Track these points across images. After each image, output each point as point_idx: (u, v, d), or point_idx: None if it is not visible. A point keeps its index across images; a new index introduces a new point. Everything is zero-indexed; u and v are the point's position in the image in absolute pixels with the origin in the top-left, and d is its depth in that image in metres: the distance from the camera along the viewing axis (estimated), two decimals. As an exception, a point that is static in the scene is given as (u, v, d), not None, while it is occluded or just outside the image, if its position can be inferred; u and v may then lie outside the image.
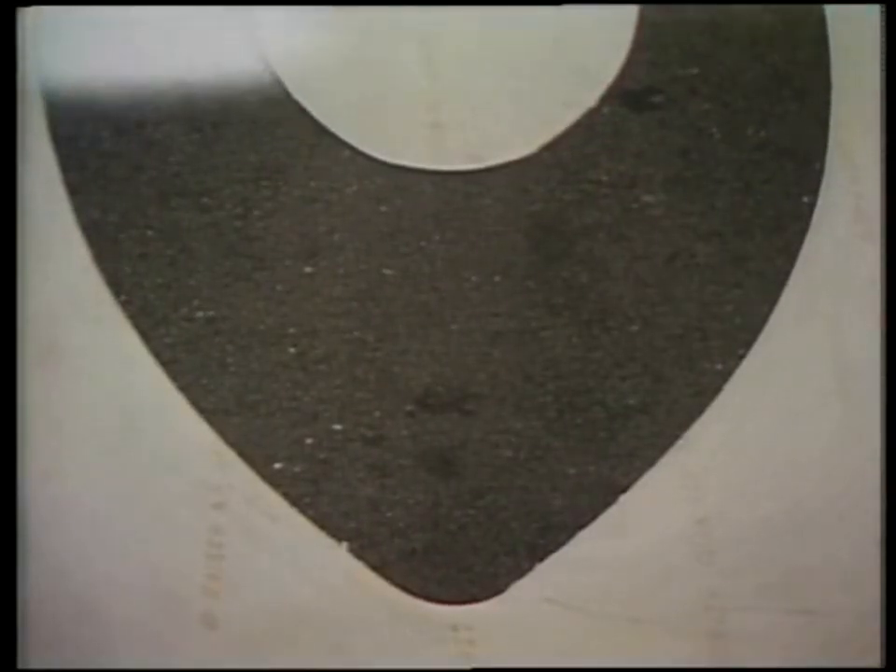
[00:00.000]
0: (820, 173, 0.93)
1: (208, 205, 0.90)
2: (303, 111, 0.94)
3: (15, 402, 0.77)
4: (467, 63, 0.96)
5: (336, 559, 0.82)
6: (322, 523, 0.83)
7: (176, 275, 0.88)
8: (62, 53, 0.94)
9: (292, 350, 0.87)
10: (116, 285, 0.88)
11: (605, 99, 0.95)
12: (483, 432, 0.86)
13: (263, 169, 0.92)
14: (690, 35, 0.98)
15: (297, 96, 0.94)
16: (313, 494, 0.83)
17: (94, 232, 0.89)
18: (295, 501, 0.83)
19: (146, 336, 0.86)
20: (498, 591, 0.82)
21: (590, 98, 0.95)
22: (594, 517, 0.83)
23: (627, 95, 0.95)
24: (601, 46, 0.97)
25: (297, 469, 0.84)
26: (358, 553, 0.82)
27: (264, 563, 0.82)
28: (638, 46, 0.97)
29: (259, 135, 0.93)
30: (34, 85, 0.91)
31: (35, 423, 0.82)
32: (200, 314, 0.88)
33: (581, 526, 0.83)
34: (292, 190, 0.92)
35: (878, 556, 0.76)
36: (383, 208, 0.91)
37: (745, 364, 0.88)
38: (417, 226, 0.91)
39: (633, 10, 0.97)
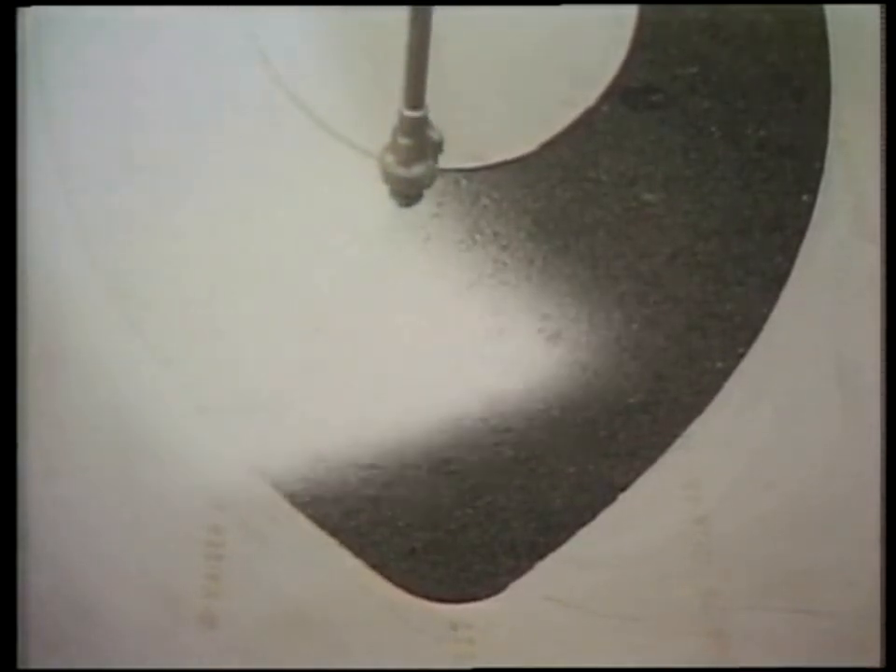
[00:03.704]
0: (820, 172, 0.94)
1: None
2: (304, 109, 0.94)
3: (16, 402, 0.76)
4: (467, 62, 0.96)
5: (336, 558, 0.82)
6: (322, 522, 0.83)
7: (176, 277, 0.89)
8: (62, 53, 0.94)
9: (292, 349, 0.87)
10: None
11: (604, 98, 0.95)
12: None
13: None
14: (689, 35, 0.98)
15: (297, 94, 0.94)
16: (312, 493, 0.83)
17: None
18: (295, 500, 0.83)
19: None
20: (498, 589, 0.82)
21: (590, 97, 0.95)
22: (593, 516, 0.84)
23: (627, 94, 0.95)
24: (601, 45, 0.97)
25: (296, 467, 0.84)
26: (358, 552, 0.82)
27: (264, 563, 0.82)
28: (638, 45, 0.97)
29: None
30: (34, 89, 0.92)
31: (36, 423, 0.82)
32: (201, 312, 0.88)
33: (581, 525, 0.83)
34: (293, 188, 0.92)
35: (878, 556, 0.75)
36: (383, 206, 0.92)
37: (745, 362, 0.88)
38: (419, 223, 0.91)
39: (632, 10, 0.98)
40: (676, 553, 0.83)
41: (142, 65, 0.95)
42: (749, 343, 0.89)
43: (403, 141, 0.86)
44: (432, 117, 0.85)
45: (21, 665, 0.71)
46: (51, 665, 0.77)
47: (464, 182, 0.92)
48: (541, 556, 0.82)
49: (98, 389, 0.85)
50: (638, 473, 0.85)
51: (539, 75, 0.97)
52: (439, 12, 0.94)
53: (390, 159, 0.87)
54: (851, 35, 0.98)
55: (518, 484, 0.85)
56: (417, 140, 0.85)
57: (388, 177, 0.89)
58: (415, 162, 0.87)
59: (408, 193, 0.90)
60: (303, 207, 0.92)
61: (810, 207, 0.92)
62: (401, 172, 0.87)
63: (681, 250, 0.91)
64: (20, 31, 0.89)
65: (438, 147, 0.87)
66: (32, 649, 0.75)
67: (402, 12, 0.96)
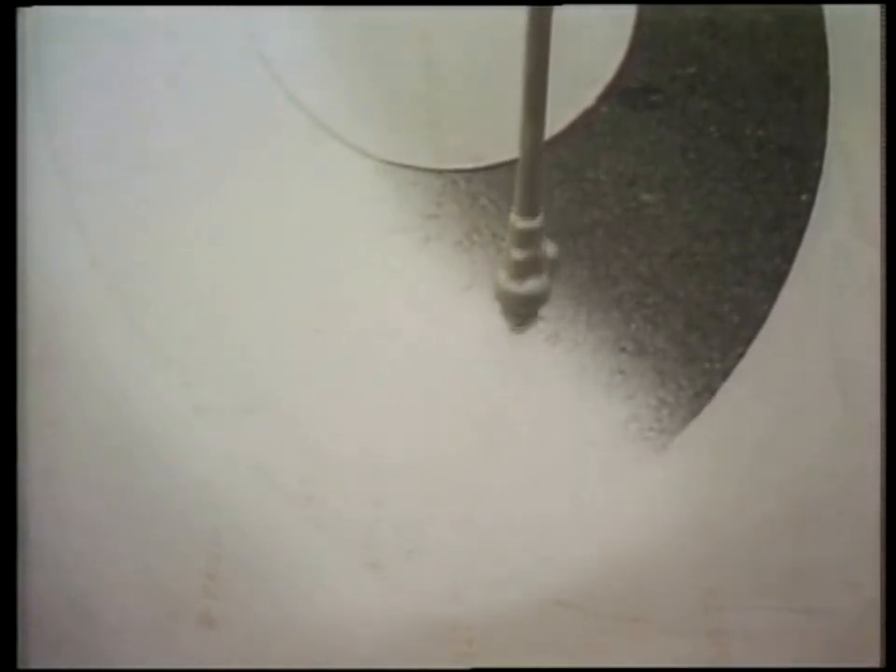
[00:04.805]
0: (819, 171, 0.94)
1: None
2: (303, 109, 0.94)
3: (15, 402, 0.76)
4: (466, 61, 0.96)
5: (335, 558, 0.82)
6: (320, 521, 0.83)
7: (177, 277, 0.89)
8: (62, 54, 0.94)
9: (292, 349, 0.87)
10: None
11: (603, 98, 0.95)
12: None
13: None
14: (688, 34, 0.98)
15: (297, 94, 0.94)
16: (312, 492, 0.84)
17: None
18: (294, 500, 0.83)
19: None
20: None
21: (588, 97, 0.95)
22: (592, 515, 0.84)
23: (626, 94, 0.95)
24: (600, 45, 0.97)
25: (296, 464, 0.84)
26: (357, 551, 0.82)
27: (264, 563, 0.82)
28: (637, 45, 0.97)
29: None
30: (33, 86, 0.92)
31: (35, 423, 0.82)
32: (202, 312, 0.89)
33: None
34: (293, 188, 0.92)
35: (878, 556, 0.75)
36: (382, 206, 0.92)
37: (744, 362, 0.88)
38: (417, 224, 0.91)
39: (631, 10, 0.98)
40: (676, 552, 0.83)
41: (143, 65, 0.95)
42: (748, 342, 0.89)
43: (516, 254, 0.81)
44: (431, 117, 0.85)
45: (20, 665, 0.71)
46: (51, 665, 0.77)
47: (462, 183, 0.92)
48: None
49: (98, 389, 0.86)
50: (637, 472, 0.85)
51: (537, 75, 0.96)
52: (437, 12, 0.95)
53: (502, 275, 0.83)
54: (851, 35, 0.98)
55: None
56: (531, 253, 0.81)
57: (500, 294, 0.84)
58: (529, 277, 0.82)
59: (520, 312, 0.85)
60: (303, 208, 0.92)
61: (809, 207, 0.92)
62: (514, 288, 0.83)
63: (680, 250, 0.91)
64: (20, 31, 0.90)
65: (553, 264, 0.83)
66: (32, 649, 0.75)
67: (404, 12, 0.96)
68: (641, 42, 0.97)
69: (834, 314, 0.90)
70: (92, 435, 0.84)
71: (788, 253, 0.91)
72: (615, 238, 0.91)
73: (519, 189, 0.76)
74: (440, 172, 0.92)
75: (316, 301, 0.89)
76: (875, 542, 0.77)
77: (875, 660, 0.72)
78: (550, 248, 0.82)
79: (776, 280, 0.90)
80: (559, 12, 0.96)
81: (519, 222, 0.79)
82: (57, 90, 0.93)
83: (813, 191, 0.93)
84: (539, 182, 0.76)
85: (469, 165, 0.92)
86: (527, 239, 0.80)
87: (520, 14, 0.96)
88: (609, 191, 0.92)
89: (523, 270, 0.81)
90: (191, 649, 0.79)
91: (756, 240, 0.92)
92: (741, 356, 0.88)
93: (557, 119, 0.94)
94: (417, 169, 0.92)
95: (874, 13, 0.92)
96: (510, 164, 0.92)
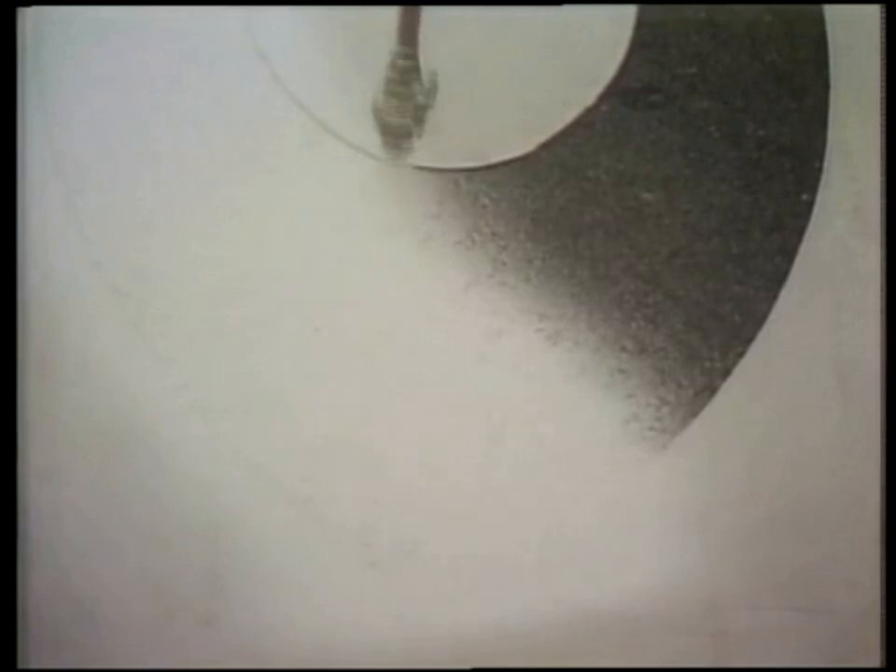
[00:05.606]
0: (819, 171, 0.94)
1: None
2: (303, 109, 0.94)
3: (15, 402, 0.76)
4: (466, 61, 0.96)
5: (335, 558, 0.82)
6: (320, 521, 0.83)
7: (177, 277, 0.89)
8: (62, 54, 0.94)
9: (292, 349, 0.87)
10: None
11: (604, 98, 0.95)
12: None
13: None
14: (689, 34, 0.98)
15: (297, 94, 0.94)
16: (312, 492, 0.83)
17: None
18: (294, 500, 0.83)
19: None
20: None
21: (589, 96, 0.95)
22: (591, 516, 0.84)
23: (626, 94, 0.95)
24: (600, 45, 0.97)
25: (296, 465, 0.84)
26: (357, 551, 0.82)
27: (264, 563, 0.82)
28: (637, 45, 0.97)
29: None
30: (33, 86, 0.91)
31: (35, 423, 0.82)
32: (202, 311, 0.88)
33: (579, 525, 0.83)
34: (293, 188, 0.92)
35: (878, 556, 0.75)
36: (382, 206, 0.92)
37: (744, 362, 0.88)
38: (418, 223, 0.91)
39: (631, 10, 0.98)
40: (676, 552, 0.83)
41: (143, 65, 0.95)
42: (748, 342, 0.89)
43: (389, 73, 0.89)
44: (431, 117, 0.85)
45: (21, 665, 0.71)
46: (51, 664, 0.77)
47: (463, 182, 0.92)
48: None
49: (98, 389, 0.85)
50: (637, 472, 0.85)
51: (538, 74, 0.96)
52: (437, 12, 0.95)
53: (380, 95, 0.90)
54: (851, 35, 0.98)
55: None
56: (403, 81, 0.89)
57: (374, 110, 0.92)
58: (399, 105, 0.90)
59: (388, 134, 0.91)
60: (303, 208, 0.92)
61: (810, 207, 0.92)
62: (384, 106, 0.90)
63: (680, 250, 0.91)
64: (20, 31, 0.90)
65: (423, 108, 0.90)
66: (32, 649, 0.75)
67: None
68: (641, 42, 0.96)
69: (835, 313, 0.90)
70: (92, 435, 0.84)
71: (788, 253, 0.91)
72: (615, 238, 0.91)
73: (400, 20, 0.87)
74: (440, 172, 0.92)
75: (316, 301, 0.89)
76: (875, 542, 0.77)
77: (875, 660, 0.73)
78: (423, 91, 0.90)
79: (776, 280, 0.90)
80: (559, 12, 0.96)
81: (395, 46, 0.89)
82: (57, 90, 0.93)
83: (814, 191, 0.93)
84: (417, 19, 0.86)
85: (470, 165, 0.92)
86: (399, 69, 0.89)
87: (520, 14, 0.96)
88: (610, 191, 0.92)
89: (393, 93, 0.90)
90: (192, 648, 0.79)
91: (756, 240, 0.92)
92: (741, 355, 0.88)
93: (557, 118, 0.94)
94: (416, 168, 0.92)
95: (874, 13, 0.92)
96: (510, 164, 0.93)
